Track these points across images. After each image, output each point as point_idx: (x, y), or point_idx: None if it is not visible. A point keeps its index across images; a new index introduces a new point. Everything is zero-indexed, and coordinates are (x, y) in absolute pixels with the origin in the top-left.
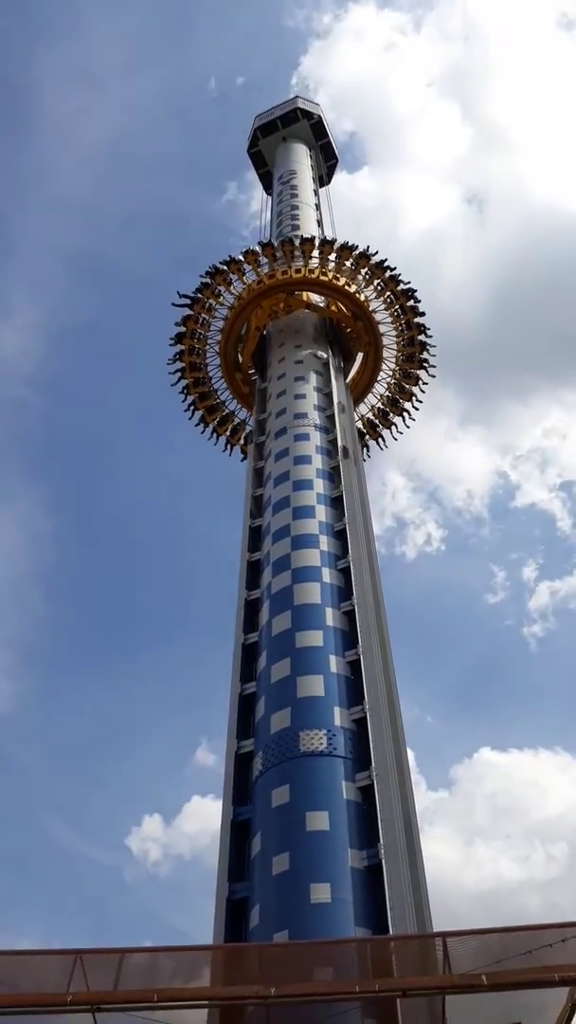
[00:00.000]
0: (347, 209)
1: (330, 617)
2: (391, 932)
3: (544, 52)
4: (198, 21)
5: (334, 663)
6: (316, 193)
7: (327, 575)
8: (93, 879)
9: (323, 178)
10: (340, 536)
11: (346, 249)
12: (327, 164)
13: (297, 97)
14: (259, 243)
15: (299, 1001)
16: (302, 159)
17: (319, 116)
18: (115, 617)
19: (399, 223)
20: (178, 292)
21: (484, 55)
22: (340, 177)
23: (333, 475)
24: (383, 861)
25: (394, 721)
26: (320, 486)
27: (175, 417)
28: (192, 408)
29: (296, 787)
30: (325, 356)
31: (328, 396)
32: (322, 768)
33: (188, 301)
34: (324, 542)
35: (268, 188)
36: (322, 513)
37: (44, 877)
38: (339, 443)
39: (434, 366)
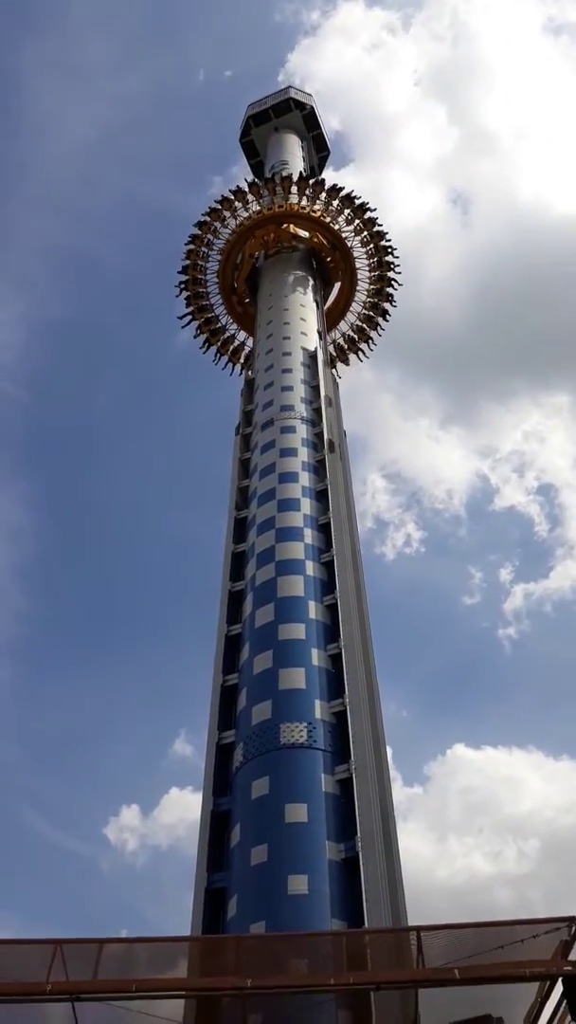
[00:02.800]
0: None
1: (313, 610)
2: (366, 925)
3: (531, 55)
4: (186, 16)
5: (316, 656)
6: None
7: (311, 568)
8: (69, 869)
9: (314, 169)
10: (324, 530)
11: (319, 184)
12: (319, 156)
13: (290, 87)
14: (247, 181)
15: (275, 993)
16: (294, 149)
17: (311, 107)
18: (95, 610)
19: (384, 222)
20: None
21: (472, 57)
22: (327, 173)
23: (319, 468)
24: (360, 854)
25: (373, 716)
26: (306, 479)
27: (158, 411)
28: (198, 331)
29: (276, 779)
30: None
31: (315, 389)
32: (302, 761)
33: (195, 232)
34: (308, 535)
35: (260, 178)
36: (307, 506)
37: (20, 867)
38: (325, 437)
39: (400, 284)
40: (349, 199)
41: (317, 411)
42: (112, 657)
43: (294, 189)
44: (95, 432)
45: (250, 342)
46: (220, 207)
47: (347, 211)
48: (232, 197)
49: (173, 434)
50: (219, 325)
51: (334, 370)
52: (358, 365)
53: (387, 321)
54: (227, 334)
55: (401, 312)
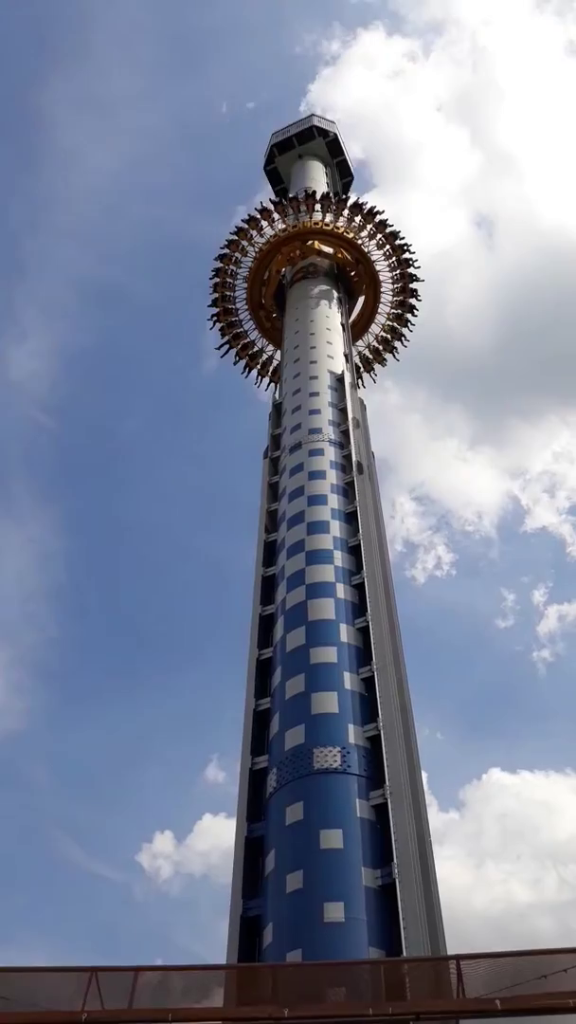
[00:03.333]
0: None
1: (344, 633)
2: (404, 953)
3: (552, 78)
4: (207, 49)
5: (348, 680)
6: None
7: (341, 591)
8: (103, 896)
9: (339, 195)
10: (354, 552)
11: (342, 202)
12: (342, 181)
13: (313, 115)
14: (272, 201)
15: (313, 1022)
16: (318, 176)
17: (335, 134)
18: (126, 636)
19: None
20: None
21: (492, 81)
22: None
23: (348, 490)
24: (397, 881)
25: (408, 740)
26: (335, 501)
27: (186, 436)
28: (228, 345)
29: (310, 804)
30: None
31: (343, 411)
32: (336, 786)
33: (224, 251)
34: (338, 557)
35: None
36: (336, 528)
37: (54, 894)
38: (353, 458)
39: (420, 299)
40: (371, 214)
41: (345, 433)
42: (143, 682)
43: (318, 207)
44: (124, 458)
45: (277, 355)
46: (247, 226)
47: (369, 226)
48: (259, 216)
49: (201, 458)
50: (248, 340)
51: (362, 380)
52: (385, 388)
53: (411, 330)
54: (255, 348)
55: (427, 334)
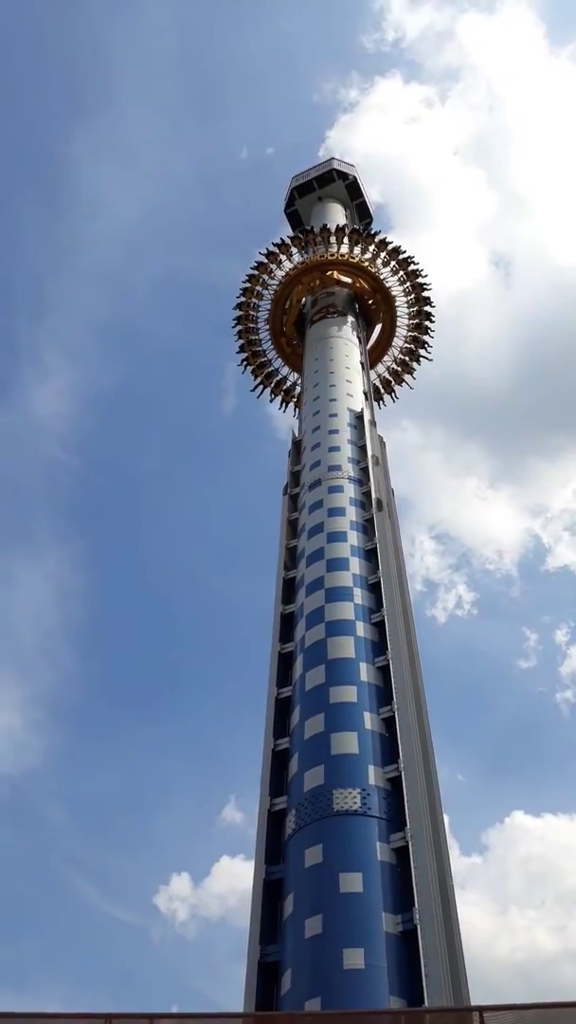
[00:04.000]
0: None
1: (364, 672)
2: (426, 1003)
3: (568, 121)
4: (228, 97)
5: (368, 720)
6: None
7: (361, 629)
8: (119, 939)
9: (355, 229)
10: (374, 589)
11: (355, 232)
12: (362, 223)
13: (333, 159)
14: (289, 236)
15: None
16: (338, 217)
17: (354, 176)
18: (143, 673)
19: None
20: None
21: (508, 124)
22: None
23: (367, 527)
24: (418, 926)
25: (429, 781)
26: (354, 538)
27: (204, 475)
28: (252, 372)
29: (329, 847)
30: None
31: (362, 449)
32: (356, 828)
33: (246, 284)
34: (358, 595)
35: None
36: (356, 566)
37: (69, 937)
38: (373, 495)
39: (434, 325)
40: (383, 243)
41: (364, 470)
42: (160, 720)
43: (333, 239)
44: (143, 495)
45: (298, 380)
46: (267, 260)
47: (382, 253)
48: (278, 250)
49: (220, 496)
50: (272, 368)
51: (382, 400)
52: (404, 427)
53: (428, 351)
54: (279, 376)
55: (445, 373)
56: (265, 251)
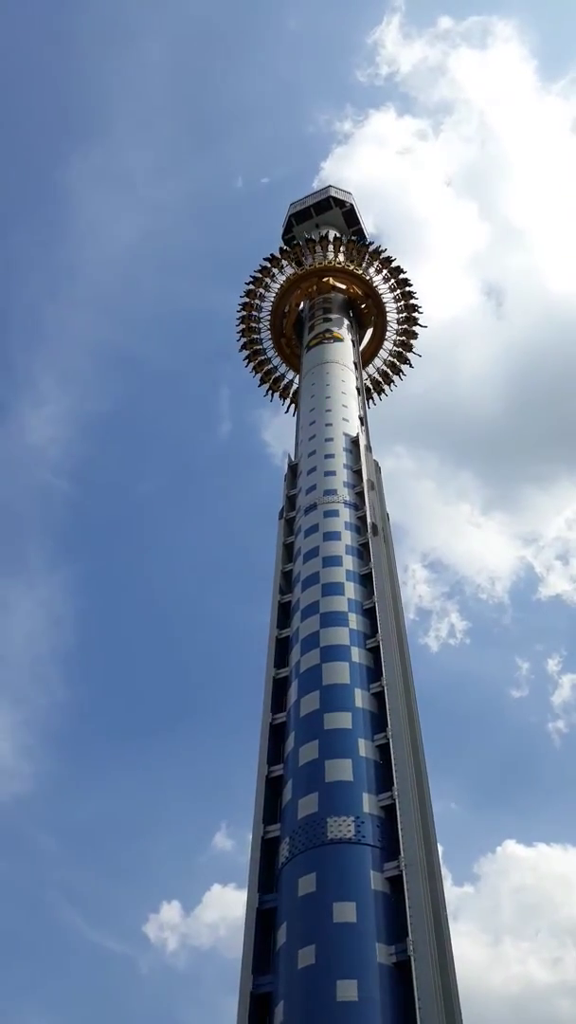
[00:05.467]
0: None
1: (359, 698)
2: None
3: (558, 155)
4: (225, 127)
5: (363, 747)
6: None
7: (356, 654)
8: (109, 969)
9: (350, 239)
10: (369, 614)
11: (351, 242)
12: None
13: (330, 186)
14: (291, 245)
15: None
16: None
17: (351, 204)
18: (136, 699)
19: (420, 313)
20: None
21: (500, 157)
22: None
23: (363, 552)
24: (412, 957)
25: (423, 809)
26: (350, 563)
27: (199, 500)
28: (253, 370)
29: (323, 876)
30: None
31: (357, 473)
32: (350, 857)
33: (249, 286)
34: (353, 620)
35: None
36: (351, 590)
37: (58, 966)
38: (368, 520)
39: (424, 326)
40: (376, 252)
41: (360, 494)
42: (152, 747)
43: (330, 248)
44: (136, 522)
45: (295, 378)
46: (269, 265)
47: (376, 263)
48: (280, 256)
49: (214, 521)
50: (271, 367)
51: (373, 400)
52: (397, 453)
53: (415, 353)
54: (278, 374)
55: (438, 401)
56: (268, 256)
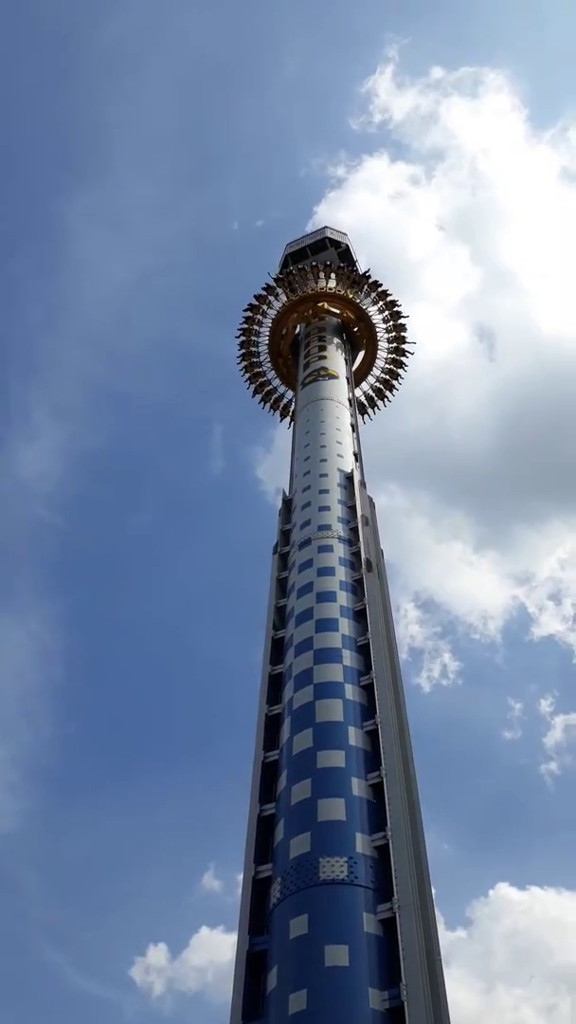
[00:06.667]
0: None
1: (353, 736)
2: None
3: (547, 201)
4: (221, 169)
5: (356, 786)
6: None
7: (350, 691)
8: (93, 1015)
9: (341, 267)
10: (363, 651)
11: (342, 268)
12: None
13: (326, 228)
14: (278, 276)
15: None
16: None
17: (347, 245)
18: (125, 736)
19: (412, 355)
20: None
21: (491, 203)
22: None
23: (357, 588)
24: (405, 1003)
25: (417, 850)
26: (344, 598)
27: (190, 536)
28: (253, 389)
29: (315, 918)
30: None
31: (352, 509)
32: (342, 898)
33: (247, 314)
34: (347, 656)
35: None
36: (345, 627)
37: (42, 1012)
38: (362, 555)
39: (412, 347)
40: (365, 277)
41: (354, 530)
42: (140, 785)
43: (321, 275)
44: (127, 556)
45: (292, 396)
46: (266, 293)
47: (366, 287)
48: (276, 285)
49: (206, 559)
50: (266, 379)
51: (367, 415)
52: (391, 491)
53: (405, 372)
54: (272, 388)
55: (431, 440)
56: (268, 284)
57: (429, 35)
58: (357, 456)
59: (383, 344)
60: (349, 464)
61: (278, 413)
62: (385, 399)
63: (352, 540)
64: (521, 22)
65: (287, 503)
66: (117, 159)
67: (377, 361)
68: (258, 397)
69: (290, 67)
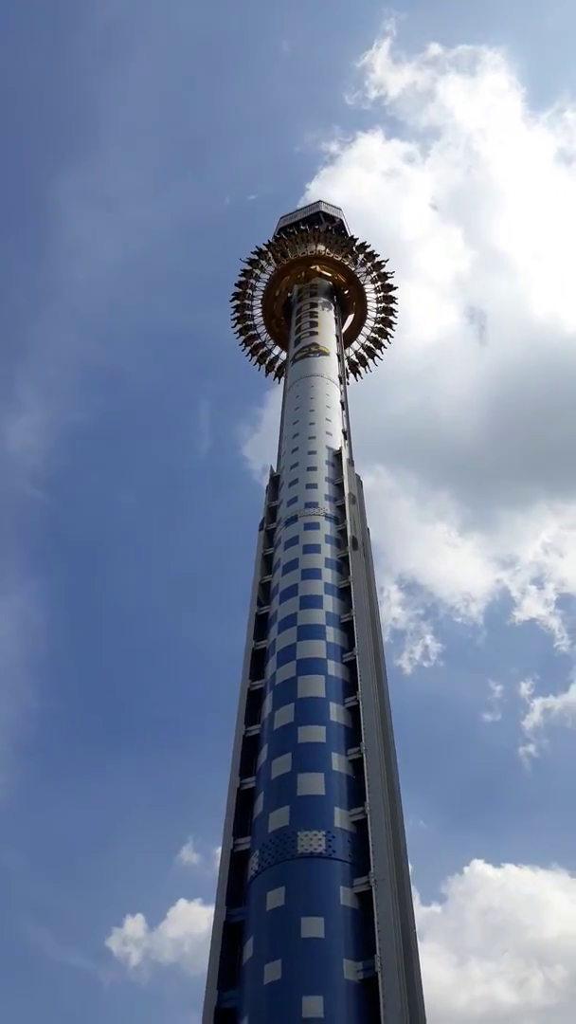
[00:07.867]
0: None
1: (334, 712)
2: None
3: (543, 183)
4: (213, 146)
5: (336, 761)
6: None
7: (332, 668)
8: (72, 986)
9: (332, 231)
10: (347, 628)
11: (328, 231)
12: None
13: (320, 201)
14: (275, 237)
15: None
16: None
17: (341, 219)
18: (106, 710)
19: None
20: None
21: (486, 183)
22: None
23: (342, 565)
24: (379, 974)
25: (395, 825)
26: (329, 576)
27: (176, 515)
28: (244, 344)
29: (292, 890)
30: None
31: (339, 487)
32: (320, 871)
33: (242, 278)
34: (331, 633)
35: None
36: (330, 603)
37: (12, 979)
38: (348, 533)
39: (395, 313)
40: (352, 240)
41: (341, 508)
42: (122, 759)
43: (311, 241)
44: (113, 533)
45: (282, 354)
46: (258, 257)
47: (360, 255)
48: (274, 243)
49: (191, 536)
50: (260, 341)
51: (357, 374)
52: (378, 472)
53: (392, 336)
54: (266, 349)
55: (420, 422)
56: (267, 243)
57: (428, 11)
58: (346, 434)
59: (372, 306)
60: (338, 442)
61: (268, 371)
62: (375, 357)
63: (339, 518)
64: (521, 1)
65: (274, 479)
66: (107, 137)
67: (367, 323)
68: (253, 358)
69: (285, 40)
